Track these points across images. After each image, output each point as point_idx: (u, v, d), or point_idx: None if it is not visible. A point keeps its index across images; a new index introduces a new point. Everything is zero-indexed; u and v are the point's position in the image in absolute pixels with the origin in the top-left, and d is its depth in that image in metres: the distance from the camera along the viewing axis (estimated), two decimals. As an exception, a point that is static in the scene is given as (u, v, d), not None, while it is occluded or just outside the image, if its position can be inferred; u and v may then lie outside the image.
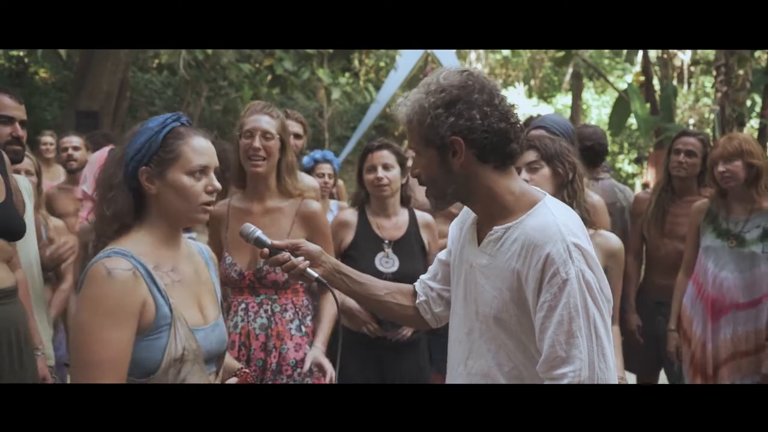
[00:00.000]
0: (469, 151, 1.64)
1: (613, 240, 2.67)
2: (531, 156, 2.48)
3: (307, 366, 2.57)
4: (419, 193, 3.88)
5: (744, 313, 3.24)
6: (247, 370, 1.91)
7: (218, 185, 1.76)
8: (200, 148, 1.74)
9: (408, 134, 1.73)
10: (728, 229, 3.29)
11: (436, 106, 1.63)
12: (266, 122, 2.66)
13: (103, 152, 3.97)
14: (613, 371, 1.58)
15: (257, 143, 2.62)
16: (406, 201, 3.25)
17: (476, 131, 1.62)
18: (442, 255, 1.96)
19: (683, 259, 3.50)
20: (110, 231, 1.70)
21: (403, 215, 3.23)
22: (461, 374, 1.77)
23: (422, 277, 2.01)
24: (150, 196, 1.72)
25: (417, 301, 1.97)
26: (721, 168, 3.22)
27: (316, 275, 1.86)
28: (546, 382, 1.58)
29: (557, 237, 1.57)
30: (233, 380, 1.84)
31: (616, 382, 1.59)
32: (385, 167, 3.09)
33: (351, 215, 3.20)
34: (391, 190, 3.12)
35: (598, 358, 1.54)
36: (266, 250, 1.86)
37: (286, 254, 1.85)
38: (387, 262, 3.09)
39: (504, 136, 1.64)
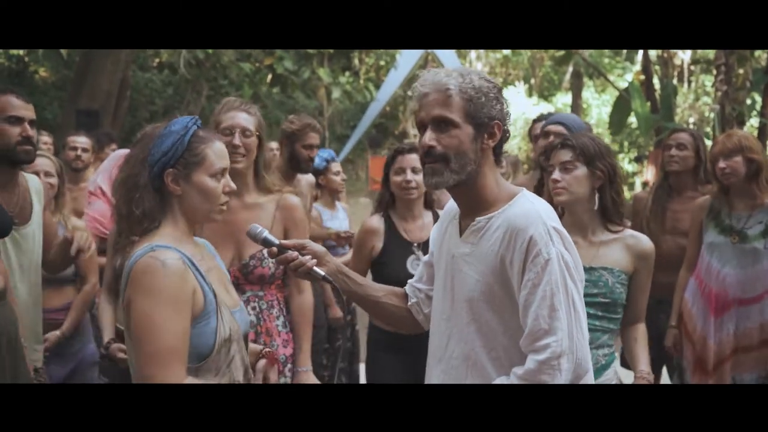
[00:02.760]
0: (497, 139, 1.80)
1: (645, 241, 2.58)
2: (566, 155, 2.46)
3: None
4: (444, 195, 3.88)
5: (746, 309, 3.26)
6: (270, 350, 2.01)
7: (234, 186, 1.87)
8: (220, 151, 1.84)
9: (441, 105, 1.75)
10: (731, 225, 3.30)
11: (490, 90, 1.76)
12: (245, 119, 2.64)
13: (123, 153, 3.95)
14: (587, 342, 1.72)
15: (237, 140, 2.60)
16: (429, 203, 3.25)
17: (506, 124, 1.80)
18: (425, 258, 2.06)
19: (686, 255, 3.50)
20: (139, 229, 1.77)
21: (427, 217, 3.22)
22: (441, 358, 1.84)
23: (410, 280, 2.08)
24: (173, 197, 1.80)
25: (409, 303, 2.05)
26: (721, 164, 3.23)
27: (322, 273, 1.90)
28: (529, 357, 1.66)
29: (538, 221, 1.70)
30: (263, 362, 1.93)
31: (590, 355, 1.72)
32: (414, 170, 3.06)
33: (378, 222, 3.16)
34: (418, 192, 3.12)
35: (576, 330, 1.68)
36: (275, 249, 1.90)
37: (294, 253, 1.89)
38: (418, 264, 3.06)
39: (508, 138, 1.83)
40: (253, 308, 2.68)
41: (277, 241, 1.91)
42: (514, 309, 1.71)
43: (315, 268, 1.90)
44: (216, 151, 1.82)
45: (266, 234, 1.92)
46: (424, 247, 3.11)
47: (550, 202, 2.43)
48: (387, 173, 3.16)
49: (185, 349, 1.66)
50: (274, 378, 1.96)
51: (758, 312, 3.24)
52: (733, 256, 3.27)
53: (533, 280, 1.67)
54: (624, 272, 2.51)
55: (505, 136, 1.81)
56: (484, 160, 1.79)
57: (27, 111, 2.67)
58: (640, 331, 2.63)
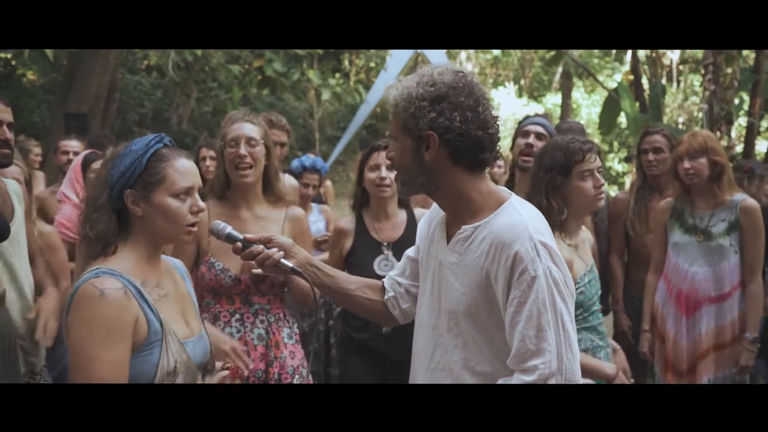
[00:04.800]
0: (441, 149, 1.68)
1: (588, 233, 2.75)
2: (598, 162, 2.54)
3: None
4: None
5: (717, 307, 3.28)
6: (235, 365, 1.93)
7: (203, 205, 1.80)
8: (184, 169, 1.76)
9: (391, 117, 1.75)
10: (695, 224, 3.32)
11: (422, 98, 1.66)
12: (249, 129, 2.65)
13: (80, 158, 3.95)
14: (578, 360, 1.65)
15: (243, 150, 2.60)
16: (404, 201, 3.23)
17: (452, 132, 1.65)
18: (410, 252, 2.01)
19: (652, 258, 3.51)
20: (95, 251, 1.73)
21: (401, 216, 3.21)
22: (426, 367, 1.81)
23: (390, 273, 2.05)
24: (135, 218, 1.74)
25: (385, 296, 2.00)
26: (686, 164, 3.26)
27: (290, 265, 1.87)
28: (516, 375, 1.61)
29: (525, 236, 1.62)
30: (224, 373, 1.86)
31: (580, 374, 1.65)
32: (389, 168, 3.03)
33: (348, 223, 3.18)
34: (391, 191, 3.10)
35: (565, 350, 1.61)
36: (239, 244, 1.87)
37: (260, 246, 1.86)
38: (386, 264, 3.07)
39: (478, 143, 1.68)
40: (262, 321, 2.67)
41: (241, 236, 1.88)
42: (500, 325, 1.66)
43: (282, 260, 1.86)
44: (179, 170, 1.75)
45: (229, 230, 1.89)
46: (395, 246, 3.11)
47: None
48: (362, 170, 3.13)
49: (120, 379, 1.61)
50: None
51: (729, 309, 3.27)
52: (699, 254, 3.29)
53: (519, 299, 1.60)
54: (592, 268, 2.66)
55: (461, 144, 1.66)
56: (442, 171, 1.70)
57: (5, 114, 2.65)
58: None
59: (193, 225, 1.78)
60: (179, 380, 1.71)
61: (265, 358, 2.65)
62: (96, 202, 1.74)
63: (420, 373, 1.84)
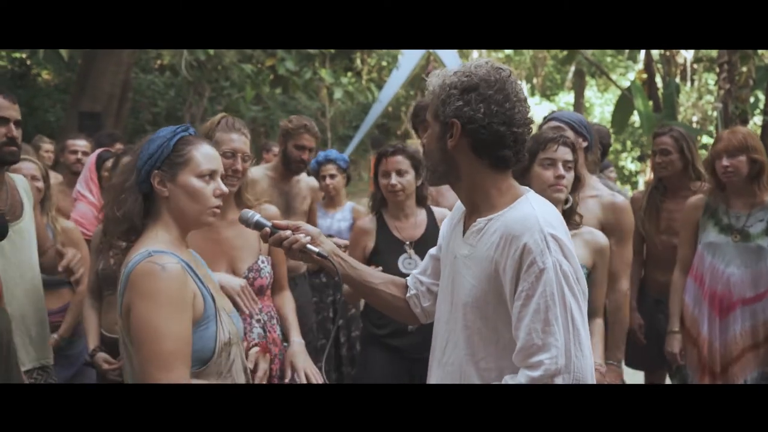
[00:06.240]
0: (463, 138, 1.69)
1: (600, 236, 2.67)
2: (569, 154, 2.51)
3: (301, 376, 2.43)
4: (448, 198, 3.85)
5: (751, 308, 3.20)
6: (263, 340, 2.12)
7: (226, 189, 1.87)
8: (209, 154, 1.85)
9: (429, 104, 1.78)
10: (730, 223, 3.24)
11: (454, 86, 1.69)
12: (244, 143, 2.62)
13: (94, 156, 3.98)
14: (589, 359, 1.60)
15: (239, 166, 2.58)
16: (422, 201, 3.24)
17: (475, 123, 1.66)
18: (432, 251, 2.01)
19: (678, 257, 3.45)
20: (119, 231, 1.79)
21: (421, 215, 3.23)
22: (440, 362, 1.81)
23: (413, 272, 2.05)
24: (161, 199, 1.81)
25: (408, 294, 2.01)
26: (724, 162, 3.18)
27: (317, 250, 1.89)
28: (522, 371, 1.59)
29: (535, 227, 1.60)
30: (256, 349, 2.04)
31: (591, 370, 1.61)
32: (399, 173, 3.07)
33: (369, 222, 3.21)
34: (404, 195, 3.12)
35: (574, 346, 1.57)
36: (267, 229, 1.90)
37: (287, 231, 1.89)
38: (410, 263, 3.08)
39: (499, 139, 1.67)
40: (258, 321, 2.63)
41: (269, 223, 1.92)
42: (507, 320, 1.63)
43: (309, 246, 1.88)
44: (203, 153, 1.83)
45: (258, 217, 1.93)
46: (417, 245, 3.12)
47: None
48: (376, 173, 3.17)
49: (188, 352, 1.66)
50: (264, 365, 2.06)
51: (762, 309, 3.19)
52: (736, 255, 3.22)
53: (527, 291, 1.57)
54: (584, 266, 2.56)
55: (482, 137, 1.65)
56: (464, 162, 1.71)
57: (13, 111, 2.65)
58: (597, 325, 2.71)
59: (216, 207, 1.84)
60: (233, 351, 1.79)
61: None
62: (123, 185, 1.81)
63: (434, 369, 1.84)
